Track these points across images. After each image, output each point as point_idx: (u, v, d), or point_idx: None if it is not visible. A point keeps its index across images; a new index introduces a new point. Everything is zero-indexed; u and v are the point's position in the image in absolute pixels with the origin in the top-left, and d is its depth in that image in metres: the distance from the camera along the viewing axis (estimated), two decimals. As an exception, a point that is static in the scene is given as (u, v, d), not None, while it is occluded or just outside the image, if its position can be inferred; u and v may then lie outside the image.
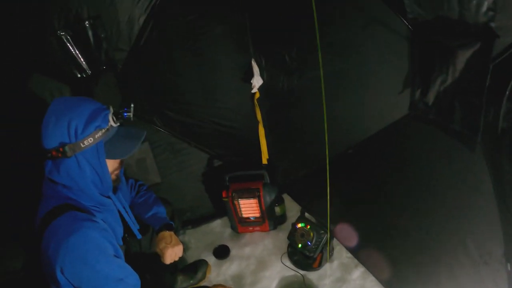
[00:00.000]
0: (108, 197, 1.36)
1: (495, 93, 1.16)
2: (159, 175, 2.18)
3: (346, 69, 1.69)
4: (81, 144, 1.17)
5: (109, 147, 1.24)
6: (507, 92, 1.15)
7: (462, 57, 1.23)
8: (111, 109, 1.25)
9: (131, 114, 1.29)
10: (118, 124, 1.28)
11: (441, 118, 1.40)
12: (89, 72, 1.73)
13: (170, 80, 2.05)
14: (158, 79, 2.03)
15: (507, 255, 1.21)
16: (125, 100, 1.93)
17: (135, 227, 1.54)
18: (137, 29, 1.80)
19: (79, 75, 1.72)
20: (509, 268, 1.21)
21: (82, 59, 1.69)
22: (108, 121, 1.23)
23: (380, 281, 1.76)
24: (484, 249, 1.29)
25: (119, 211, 1.45)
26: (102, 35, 1.71)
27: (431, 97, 1.41)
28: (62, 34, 1.60)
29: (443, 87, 1.35)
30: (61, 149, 1.16)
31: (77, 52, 1.67)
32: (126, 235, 1.51)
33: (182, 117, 2.14)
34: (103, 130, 1.21)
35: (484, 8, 1.08)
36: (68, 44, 1.63)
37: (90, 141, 1.18)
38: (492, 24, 1.09)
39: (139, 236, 1.55)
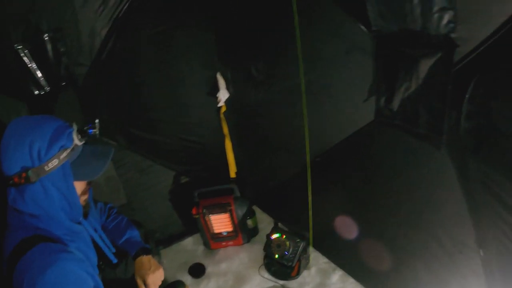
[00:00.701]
0: (79, 223, 1.25)
1: (457, 97, 1.28)
2: (125, 196, 2.07)
3: (313, 79, 1.75)
4: (46, 167, 1.06)
5: (75, 168, 1.13)
6: (467, 95, 1.28)
7: (425, 66, 1.33)
8: (75, 127, 1.16)
9: (96, 131, 1.20)
10: (83, 142, 1.18)
11: (406, 123, 1.50)
12: (47, 88, 1.62)
13: (133, 95, 1.98)
14: (121, 94, 1.95)
15: (479, 242, 1.33)
16: (87, 118, 1.82)
17: (110, 251, 1.44)
18: (99, 42, 1.73)
19: (37, 92, 1.60)
20: (482, 254, 1.32)
21: (40, 75, 1.58)
22: (73, 139, 1.13)
23: (360, 281, 1.82)
24: (457, 239, 1.40)
25: (91, 237, 1.35)
26: (62, 49, 1.61)
27: (396, 104, 1.49)
28: (19, 48, 1.49)
29: (407, 94, 1.44)
30: (23, 175, 1.04)
31: (35, 67, 1.56)
32: (101, 262, 1.41)
33: (147, 133, 2.07)
34: (68, 150, 1.11)
35: (445, 20, 1.18)
36: (26, 59, 1.52)
37: (55, 163, 1.07)
38: (453, 35, 1.20)
39: (114, 261, 1.45)
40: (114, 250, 1.46)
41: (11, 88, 1.56)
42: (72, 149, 1.12)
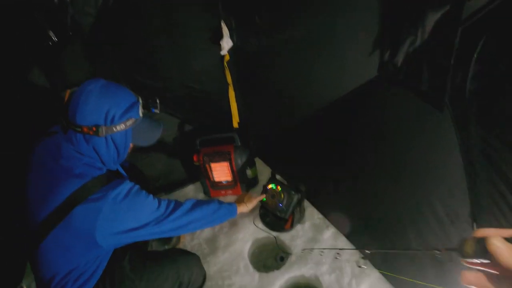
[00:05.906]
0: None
1: (464, 56, 1.17)
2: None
3: (317, 30, 1.64)
4: (114, 129, 1.33)
5: (134, 134, 1.42)
6: (475, 55, 1.16)
7: (432, 19, 1.22)
8: (141, 101, 1.43)
9: (157, 110, 1.51)
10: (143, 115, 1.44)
11: (409, 79, 1.41)
12: (55, 39, 1.66)
13: (138, 43, 1.94)
14: (126, 42, 1.92)
15: (473, 215, 1.27)
16: (93, 67, 1.88)
17: None
18: (104, -10, 1.69)
19: (45, 43, 1.64)
20: (475, 227, 1.27)
21: (47, 25, 1.62)
22: (139, 113, 1.40)
23: (351, 240, 1.83)
24: (451, 209, 1.34)
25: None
26: None
27: (400, 58, 1.40)
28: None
29: (412, 49, 1.35)
30: (94, 129, 1.29)
31: (42, 17, 1.59)
32: None
33: (151, 80, 2.06)
34: (133, 120, 1.39)
35: (453, -31, 1.05)
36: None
37: (121, 127, 1.35)
38: (462, -12, 1.07)
39: None
40: None
41: (20, 40, 1.62)
42: (136, 120, 1.40)
